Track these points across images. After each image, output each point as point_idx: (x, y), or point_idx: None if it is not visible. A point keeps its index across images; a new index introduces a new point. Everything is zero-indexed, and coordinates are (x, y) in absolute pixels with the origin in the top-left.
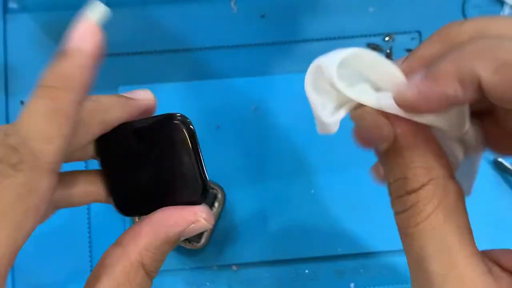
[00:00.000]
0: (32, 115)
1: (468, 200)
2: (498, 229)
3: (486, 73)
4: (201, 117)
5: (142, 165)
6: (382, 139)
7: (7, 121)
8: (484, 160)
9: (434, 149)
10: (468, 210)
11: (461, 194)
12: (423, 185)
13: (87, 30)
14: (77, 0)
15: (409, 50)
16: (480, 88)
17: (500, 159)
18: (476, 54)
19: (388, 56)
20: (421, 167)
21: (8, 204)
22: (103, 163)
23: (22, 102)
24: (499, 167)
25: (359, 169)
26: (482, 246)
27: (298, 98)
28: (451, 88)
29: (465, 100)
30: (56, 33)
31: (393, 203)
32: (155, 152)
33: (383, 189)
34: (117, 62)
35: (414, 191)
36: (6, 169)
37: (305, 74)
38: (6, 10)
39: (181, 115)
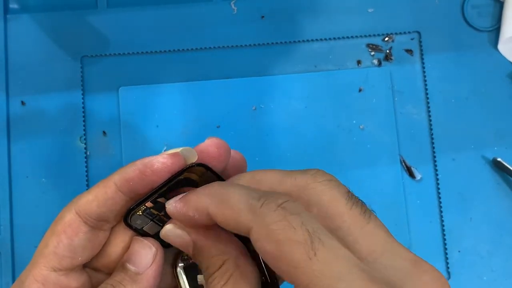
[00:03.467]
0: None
1: (468, 200)
2: (498, 229)
3: (211, 206)
4: (201, 117)
5: None
6: (186, 245)
7: (7, 121)
8: (484, 160)
9: (224, 239)
10: (467, 210)
11: (252, 265)
12: (220, 267)
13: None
14: (77, 0)
15: (408, 50)
16: (209, 215)
17: (499, 159)
18: (207, 195)
19: (388, 56)
20: (216, 255)
21: None
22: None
23: (22, 102)
24: (499, 167)
25: (359, 169)
26: (482, 246)
27: (298, 98)
28: (191, 212)
29: (202, 220)
30: (56, 33)
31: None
32: None
33: (383, 189)
34: (117, 62)
35: (214, 272)
36: None
37: (305, 74)
38: (6, 10)
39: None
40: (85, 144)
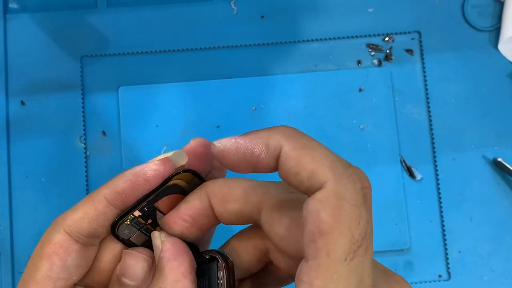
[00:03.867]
0: None
1: (468, 200)
2: (498, 229)
3: (287, 146)
4: (201, 117)
5: None
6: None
7: (7, 121)
8: (484, 160)
9: (187, 261)
10: (467, 210)
11: None
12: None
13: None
14: (77, 0)
15: (408, 50)
16: (279, 158)
17: (500, 159)
18: (283, 135)
19: (388, 56)
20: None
21: None
22: None
23: (22, 102)
24: (499, 167)
25: None
26: (482, 246)
27: (298, 98)
28: (258, 148)
29: (263, 164)
30: (55, 33)
31: None
32: None
33: (383, 189)
34: (117, 62)
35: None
36: None
37: (305, 74)
38: (6, 10)
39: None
40: (84, 144)
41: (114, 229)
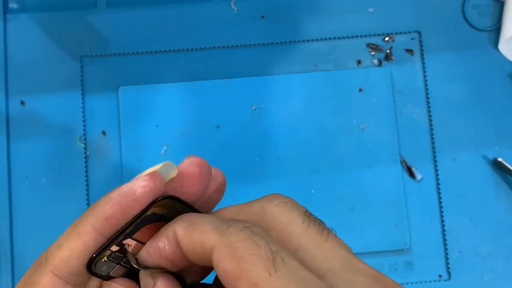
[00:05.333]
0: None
1: (468, 200)
2: (498, 229)
3: (179, 229)
4: (201, 117)
5: None
6: None
7: (7, 121)
8: (484, 160)
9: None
10: (468, 210)
11: None
12: None
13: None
14: (76, 0)
15: (409, 50)
16: (178, 241)
17: (500, 159)
18: (176, 220)
19: (388, 56)
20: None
21: None
22: None
23: (22, 102)
24: (499, 167)
25: (359, 169)
26: (482, 246)
27: (298, 98)
28: (161, 243)
29: (170, 251)
30: (55, 33)
31: None
32: None
33: (383, 190)
34: (117, 62)
35: None
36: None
37: (305, 74)
38: (6, 10)
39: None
40: (84, 144)
41: (90, 267)
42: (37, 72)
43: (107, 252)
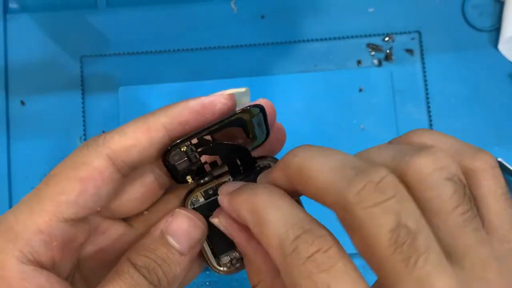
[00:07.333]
0: None
1: None
2: None
3: (251, 224)
4: None
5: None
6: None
7: (7, 121)
8: None
9: (261, 255)
10: None
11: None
12: (255, 286)
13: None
14: (77, 0)
15: (409, 50)
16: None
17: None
18: (249, 210)
19: (388, 56)
20: (252, 271)
21: None
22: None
23: (22, 102)
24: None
25: None
26: None
27: (298, 98)
28: (234, 214)
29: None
30: (55, 33)
31: None
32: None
33: None
34: (117, 62)
35: None
36: None
37: (305, 74)
38: (6, 10)
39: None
40: None
41: (166, 154)
42: (37, 72)
43: (187, 143)
